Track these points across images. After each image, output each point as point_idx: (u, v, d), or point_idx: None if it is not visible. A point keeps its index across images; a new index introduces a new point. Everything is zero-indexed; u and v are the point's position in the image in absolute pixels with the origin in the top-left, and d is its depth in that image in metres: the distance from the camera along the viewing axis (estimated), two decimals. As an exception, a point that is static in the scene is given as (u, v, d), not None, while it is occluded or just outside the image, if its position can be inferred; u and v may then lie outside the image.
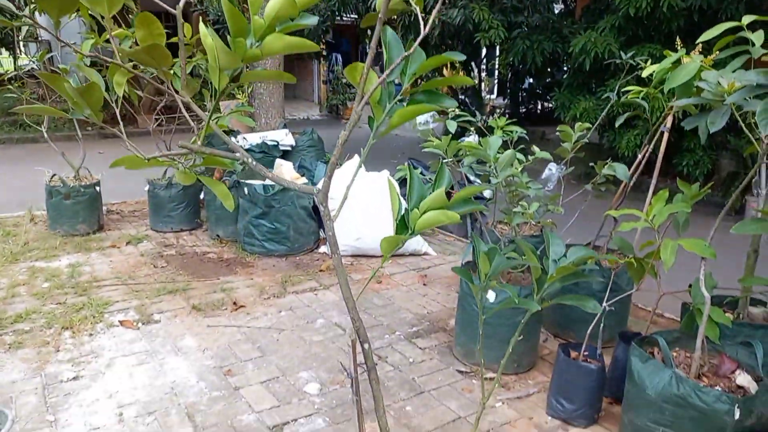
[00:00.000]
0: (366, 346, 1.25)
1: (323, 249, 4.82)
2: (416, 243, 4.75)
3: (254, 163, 1.29)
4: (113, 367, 2.97)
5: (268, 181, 4.63)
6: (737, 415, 1.99)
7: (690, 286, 2.53)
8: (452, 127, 3.21)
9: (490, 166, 2.68)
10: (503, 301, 2.85)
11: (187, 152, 1.28)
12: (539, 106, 13.49)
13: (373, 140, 1.26)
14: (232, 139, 5.28)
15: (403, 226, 1.23)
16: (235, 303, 3.75)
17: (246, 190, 4.53)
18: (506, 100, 13.53)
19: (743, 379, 2.17)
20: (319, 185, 1.25)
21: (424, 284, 4.23)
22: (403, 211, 1.24)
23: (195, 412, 2.63)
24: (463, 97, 10.54)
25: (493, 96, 15.45)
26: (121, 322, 3.44)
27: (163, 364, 3.02)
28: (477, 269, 1.36)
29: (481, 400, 1.30)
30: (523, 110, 13.27)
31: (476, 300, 1.45)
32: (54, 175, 4.96)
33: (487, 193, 5.52)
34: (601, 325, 2.65)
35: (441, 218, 1.19)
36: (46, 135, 4.90)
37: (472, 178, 5.69)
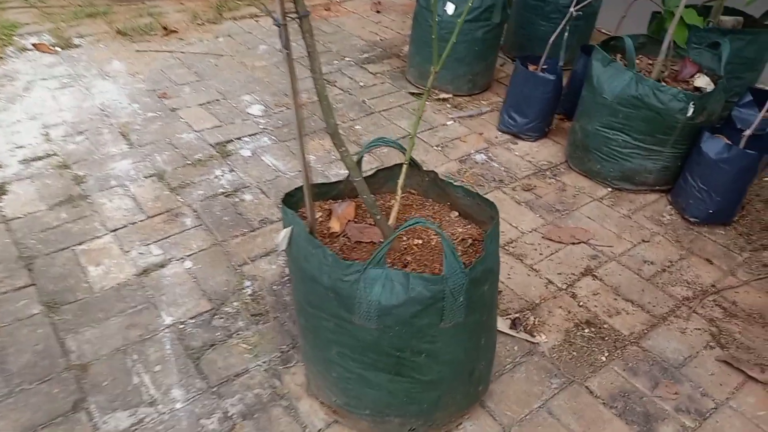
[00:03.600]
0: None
1: (264, -26, 4.23)
2: (369, -33, 4.20)
3: None
4: (33, 91, 2.69)
5: None
6: (690, 112, 1.96)
7: (665, -9, 2.30)
8: None
9: None
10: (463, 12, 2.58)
11: None
12: None
13: None
14: None
15: None
16: (165, 28, 3.35)
17: None
18: None
19: (702, 80, 2.09)
20: None
21: (378, 12, 3.85)
22: None
23: (129, 131, 2.46)
24: None
25: None
26: (36, 46, 3.05)
27: (90, 88, 2.75)
28: None
29: (420, 104, 1.14)
30: None
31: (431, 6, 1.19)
32: None
33: None
34: (564, 36, 2.46)
35: None
36: None
37: None
